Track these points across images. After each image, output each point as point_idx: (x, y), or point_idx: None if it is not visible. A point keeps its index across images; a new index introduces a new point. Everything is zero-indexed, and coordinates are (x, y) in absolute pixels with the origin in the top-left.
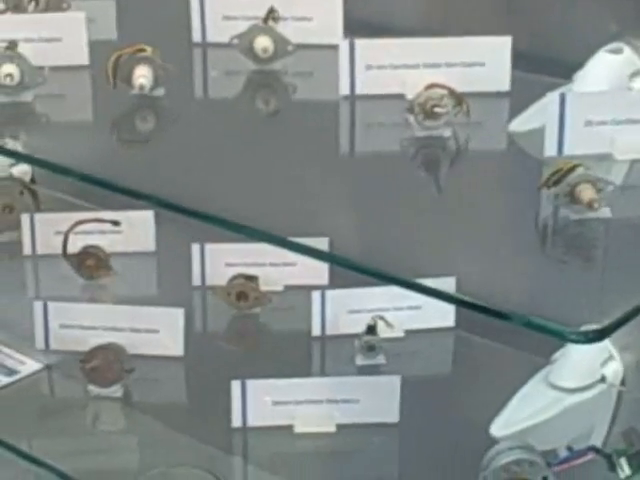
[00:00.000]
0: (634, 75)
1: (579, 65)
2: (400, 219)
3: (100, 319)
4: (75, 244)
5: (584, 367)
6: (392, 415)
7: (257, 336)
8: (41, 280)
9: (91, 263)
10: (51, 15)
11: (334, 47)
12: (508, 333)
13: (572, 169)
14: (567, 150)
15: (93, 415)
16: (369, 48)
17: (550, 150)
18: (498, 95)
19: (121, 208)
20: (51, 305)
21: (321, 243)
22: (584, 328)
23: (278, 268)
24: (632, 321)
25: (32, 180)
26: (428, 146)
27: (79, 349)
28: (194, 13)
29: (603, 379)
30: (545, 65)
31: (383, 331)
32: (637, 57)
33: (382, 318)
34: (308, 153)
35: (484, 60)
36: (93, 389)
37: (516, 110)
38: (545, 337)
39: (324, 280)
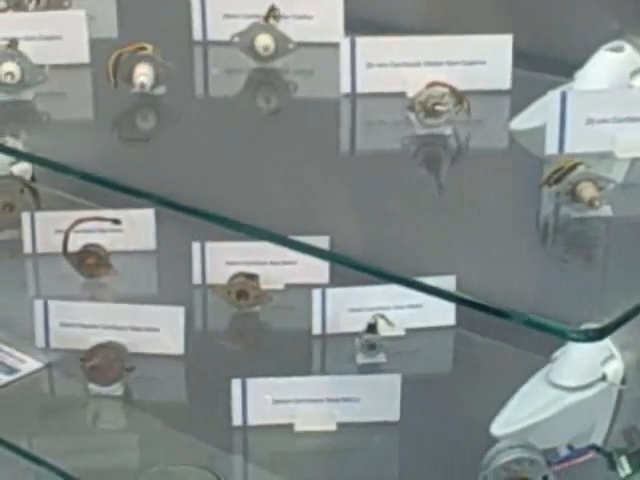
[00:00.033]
0: (635, 73)
1: (580, 63)
2: (401, 217)
3: (100, 317)
4: (75, 242)
5: (584, 366)
6: (393, 414)
7: (257, 335)
8: (41, 278)
9: (91, 261)
10: (52, 13)
11: (335, 45)
12: (509, 331)
13: (573, 167)
14: (568, 148)
15: (93, 414)
16: (370, 46)
17: (551, 148)
18: (499, 93)
19: (121, 206)
20: (51, 303)
21: (322, 241)
22: (585, 326)
23: (279, 266)
24: (633, 320)
25: (32, 178)
26: (429, 144)
27: (79, 347)
28: (195, 11)
29: (604, 378)
30: (546, 63)
31: (384, 329)
32: (638, 55)
33: (383, 316)
34: (309, 151)
35: (485, 58)
36: (93, 388)
37: (517, 108)
38: (546, 335)
39: (325, 278)
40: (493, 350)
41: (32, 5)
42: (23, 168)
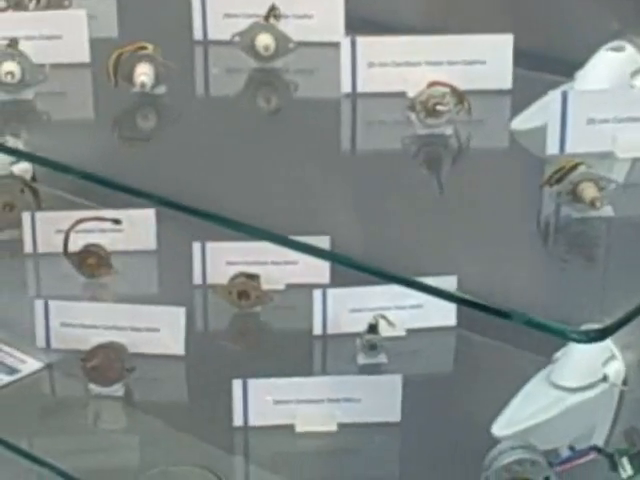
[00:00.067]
0: (636, 73)
1: (581, 63)
2: (401, 217)
3: (101, 318)
4: (76, 242)
5: (586, 366)
6: (394, 414)
7: (258, 335)
8: (42, 278)
9: (92, 261)
10: (52, 13)
11: (335, 45)
12: (509, 332)
13: (574, 167)
14: (569, 148)
15: (94, 414)
16: (371, 46)
17: (552, 148)
18: (500, 93)
19: (122, 206)
20: (52, 304)
21: (322, 242)
22: (586, 327)
23: (279, 267)
24: (634, 320)
25: (33, 178)
26: (430, 144)
27: (80, 348)
28: (195, 11)
29: (605, 378)
30: (547, 63)
31: (384, 330)
32: (639, 55)
33: (383, 317)
34: (309, 151)
35: (486, 58)
36: (94, 388)
37: (518, 108)
38: (547, 336)
39: (325, 279)
40: (494, 351)
41: (32, 4)
42: (23, 168)
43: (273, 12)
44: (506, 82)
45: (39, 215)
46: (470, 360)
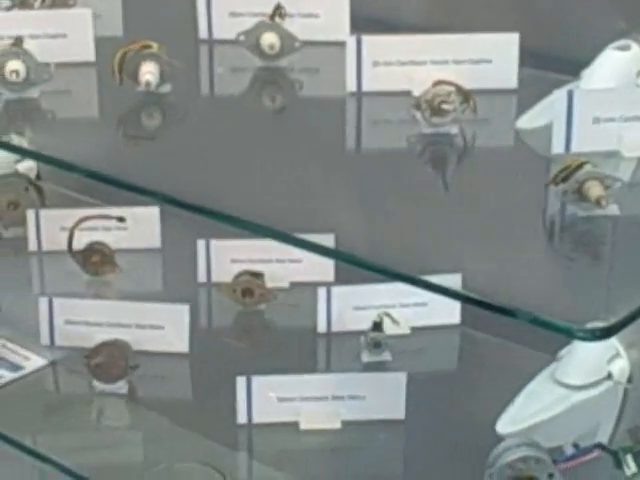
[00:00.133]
0: None
1: (587, 62)
2: (406, 216)
3: (105, 315)
4: (80, 240)
5: (590, 364)
6: (398, 412)
7: (262, 332)
8: (46, 276)
9: (96, 259)
10: (57, 11)
11: (341, 44)
12: (514, 330)
13: (580, 166)
14: (575, 147)
15: (98, 411)
16: (376, 45)
17: (558, 147)
18: (505, 92)
19: (126, 204)
20: (56, 301)
21: (327, 240)
22: (591, 325)
23: (284, 264)
24: (639, 319)
25: (37, 176)
26: (435, 143)
27: (84, 345)
28: (200, 9)
29: (609, 376)
30: (553, 62)
31: (389, 328)
32: None
33: (388, 315)
34: (314, 150)
35: (491, 57)
36: (98, 385)
37: (523, 107)
38: (551, 334)
39: (330, 277)
40: (498, 348)
41: (37, 3)
42: (28, 166)
43: (278, 11)
44: (512, 81)
45: (43, 213)
46: (474, 358)
